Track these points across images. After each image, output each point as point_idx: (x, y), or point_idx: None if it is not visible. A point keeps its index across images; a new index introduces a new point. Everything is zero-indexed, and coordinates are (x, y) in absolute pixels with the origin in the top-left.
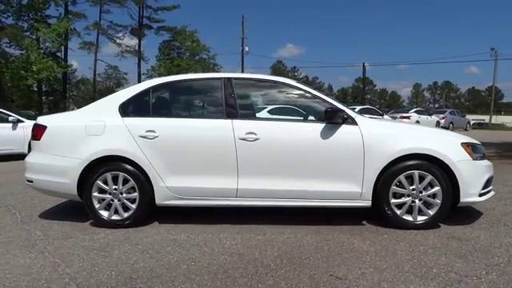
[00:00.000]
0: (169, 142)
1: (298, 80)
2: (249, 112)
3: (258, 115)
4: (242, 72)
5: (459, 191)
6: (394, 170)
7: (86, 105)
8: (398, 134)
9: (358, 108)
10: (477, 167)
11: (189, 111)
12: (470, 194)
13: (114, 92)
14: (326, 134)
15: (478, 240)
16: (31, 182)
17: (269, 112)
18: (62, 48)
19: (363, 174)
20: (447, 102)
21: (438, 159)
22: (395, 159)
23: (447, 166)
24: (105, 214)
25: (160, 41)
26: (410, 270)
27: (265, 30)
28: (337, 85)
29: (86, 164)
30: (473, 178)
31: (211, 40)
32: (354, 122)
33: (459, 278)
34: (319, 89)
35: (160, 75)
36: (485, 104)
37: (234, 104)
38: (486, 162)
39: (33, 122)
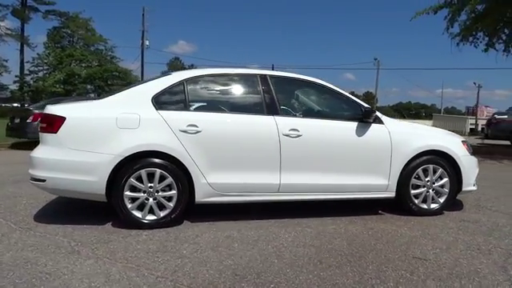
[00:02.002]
0: (212, 137)
1: None
2: (287, 109)
3: None
4: (142, 66)
5: (462, 182)
6: (414, 164)
7: None
8: (417, 132)
9: None
10: (473, 161)
11: (228, 106)
12: (469, 183)
13: None
14: (360, 132)
15: (484, 222)
16: (43, 181)
17: None
18: None
19: (390, 168)
20: None
21: (448, 154)
22: (416, 155)
23: (454, 160)
24: (138, 214)
25: (49, 26)
26: (465, 248)
27: (164, 25)
28: None
29: (119, 160)
30: (471, 170)
31: (110, 31)
32: (381, 121)
33: (507, 251)
34: None
35: (49, 64)
36: None
37: (273, 100)
38: (475, 157)
39: None
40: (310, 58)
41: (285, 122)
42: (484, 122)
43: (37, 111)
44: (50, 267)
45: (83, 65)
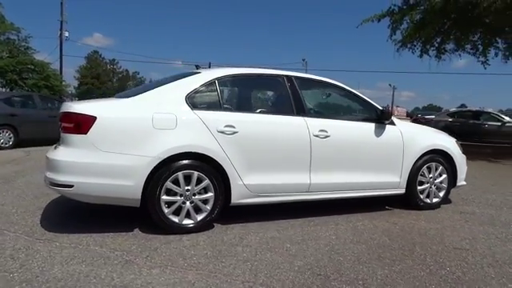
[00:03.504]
0: (248, 137)
1: (118, 73)
2: (313, 110)
3: None
4: (61, 59)
5: (457, 177)
6: (420, 163)
7: None
8: (422, 133)
9: None
10: (464, 159)
11: (258, 106)
12: (461, 179)
13: None
14: (378, 133)
15: (480, 213)
16: (70, 186)
17: None
18: None
19: (402, 166)
20: None
21: (447, 153)
22: (423, 153)
23: (451, 158)
24: (175, 219)
25: None
26: (486, 237)
27: (81, 17)
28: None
29: (157, 162)
30: (463, 166)
31: (24, 20)
32: (393, 123)
33: None
34: (142, 83)
35: None
36: None
37: (301, 101)
38: (464, 155)
39: None
40: (238, 56)
41: (314, 123)
42: None
43: None
44: (118, 280)
45: None
